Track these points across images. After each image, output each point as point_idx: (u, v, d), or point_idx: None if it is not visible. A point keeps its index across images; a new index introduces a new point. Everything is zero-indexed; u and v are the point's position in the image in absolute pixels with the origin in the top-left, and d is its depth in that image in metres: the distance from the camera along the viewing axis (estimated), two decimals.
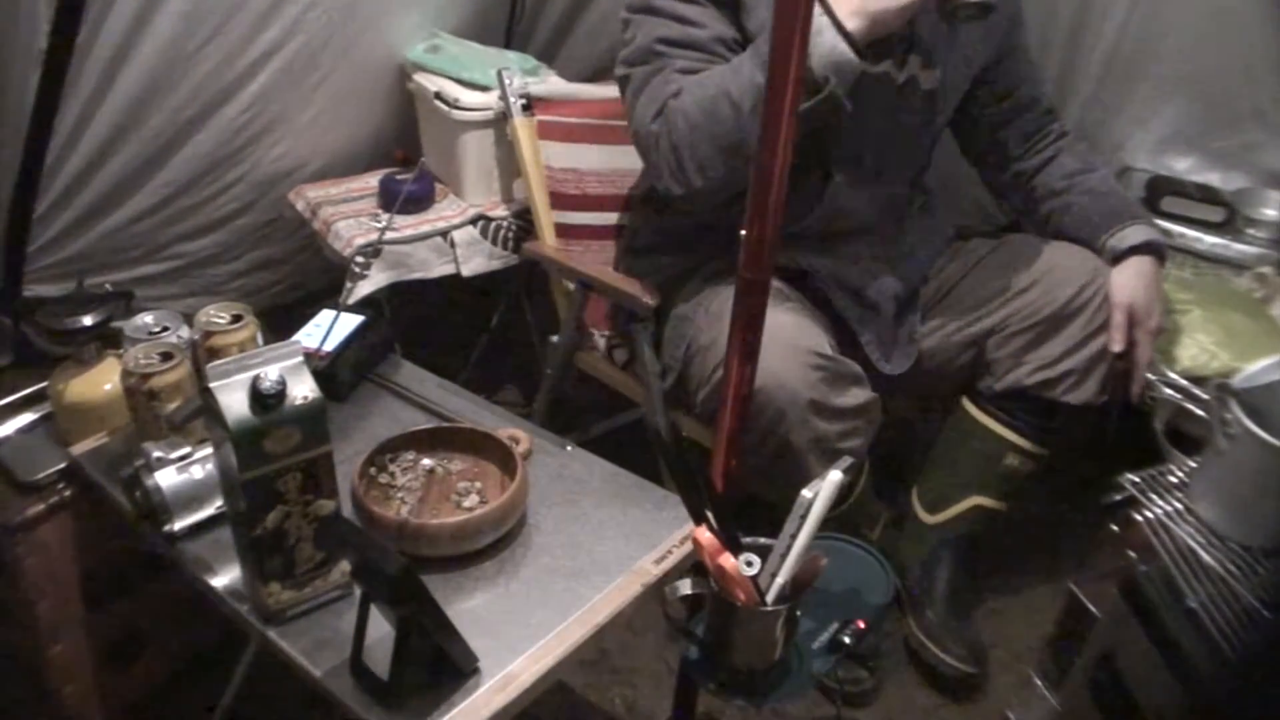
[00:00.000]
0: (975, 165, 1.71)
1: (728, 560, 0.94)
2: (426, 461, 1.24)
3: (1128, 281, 1.48)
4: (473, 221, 1.95)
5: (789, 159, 0.90)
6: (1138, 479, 1.14)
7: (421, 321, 2.09)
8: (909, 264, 1.59)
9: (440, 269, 1.92)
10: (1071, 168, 1.61)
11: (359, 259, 1.82)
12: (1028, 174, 1.64)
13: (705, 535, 0.95)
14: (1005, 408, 1.57)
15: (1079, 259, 1.52)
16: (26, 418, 1.45)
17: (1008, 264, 1.56)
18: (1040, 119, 1.64)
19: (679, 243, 1.59)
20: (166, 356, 1.23)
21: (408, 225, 1.91)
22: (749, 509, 1.09)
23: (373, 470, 1.19)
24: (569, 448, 1.32)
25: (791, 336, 1.31)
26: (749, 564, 0.96)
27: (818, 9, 1.25)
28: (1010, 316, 1.52)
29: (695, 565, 1.01)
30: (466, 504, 1.18)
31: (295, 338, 1.35)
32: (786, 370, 1.28)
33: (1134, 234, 1.51)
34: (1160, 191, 1.89)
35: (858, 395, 1.36)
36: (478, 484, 1.21)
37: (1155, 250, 1.51)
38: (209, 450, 1.13)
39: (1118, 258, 1.51)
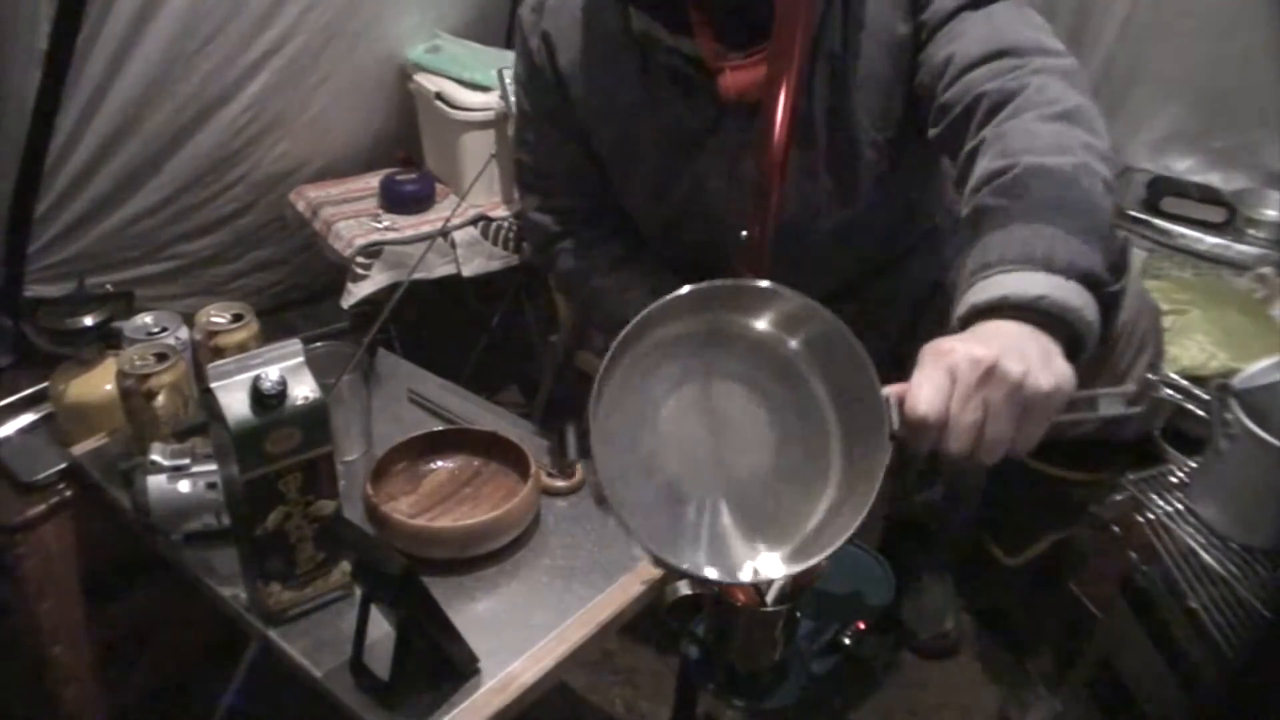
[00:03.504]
0: None
1: None
2: (438, 463, 1.24)
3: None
4: (473, 222, 1.95)
5: (788, 160, 0.90)
6: (1138, 479, 1.14)
7: (421, 321, 2.09)
8: (885, 314, 1.33)
9: (441, 269, 1.92)
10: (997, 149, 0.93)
11: (360, 259, 1.82)
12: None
13: None
14: (1054, 452, 1.39)
15: None
16: (27, 418, 1.45)
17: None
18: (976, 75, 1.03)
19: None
20: (161, 357, 1.23)
21: (408, 225, 1.91)
22: None
23: (385, 473, 1.19)
24: None
25: None
26: None
27: None
28: None
29: None
30: (477, 507, 1.18)
31: None
32: None
33: (991, 287, 0.81)
34: (1160, 191, 1.89)
35: None
36: (488, 487, 1.21)
37: (1026, 309, 0.78)
38: (206, 466, 1.12)
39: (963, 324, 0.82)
